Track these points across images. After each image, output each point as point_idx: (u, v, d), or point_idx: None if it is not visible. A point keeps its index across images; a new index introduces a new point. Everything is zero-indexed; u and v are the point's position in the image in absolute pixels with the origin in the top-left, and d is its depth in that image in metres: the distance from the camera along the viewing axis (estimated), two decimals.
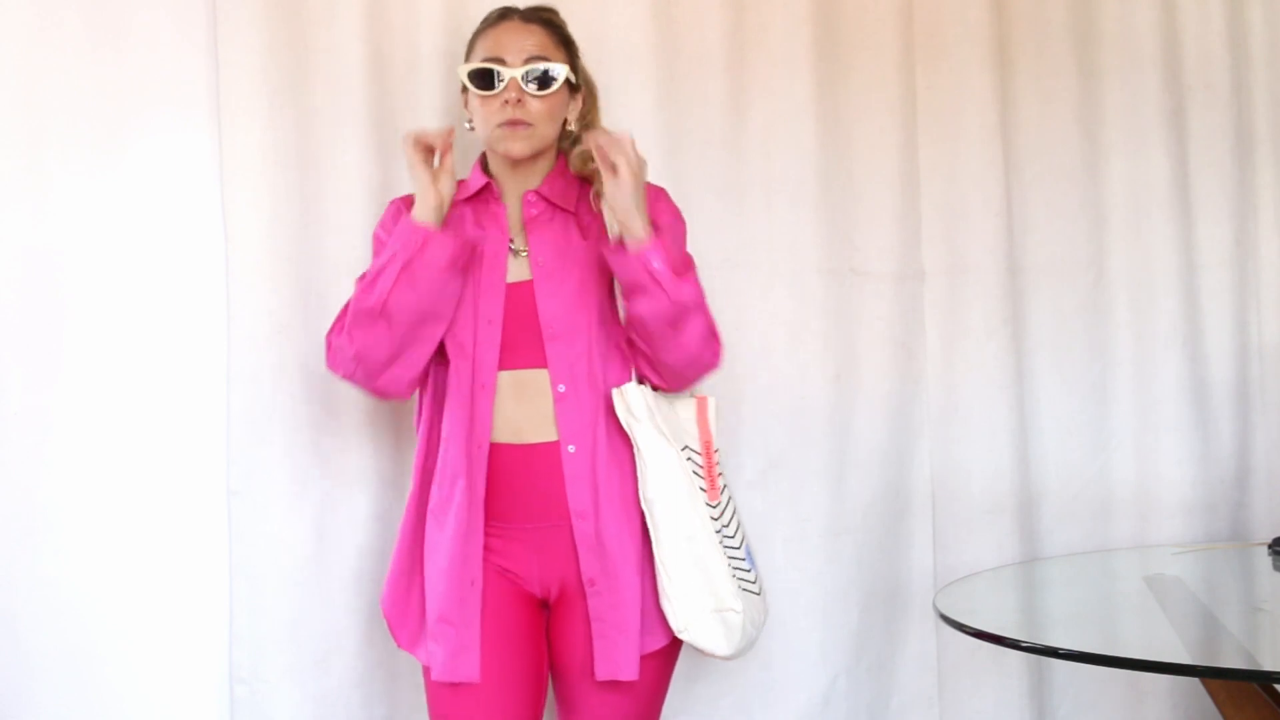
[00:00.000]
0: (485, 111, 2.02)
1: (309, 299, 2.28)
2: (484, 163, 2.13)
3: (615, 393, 2.00)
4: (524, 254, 2.05)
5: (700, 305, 1.97)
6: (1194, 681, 2.58)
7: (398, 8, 2.34)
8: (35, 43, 2.16)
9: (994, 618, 2.25)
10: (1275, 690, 2.21)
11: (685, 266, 1.98)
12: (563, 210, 2.07)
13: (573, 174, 2.10)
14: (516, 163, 2.06)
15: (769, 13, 2.61)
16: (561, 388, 1.99)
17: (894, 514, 2.70)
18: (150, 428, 2.22)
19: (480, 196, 2.09)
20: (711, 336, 2.02)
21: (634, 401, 2.00)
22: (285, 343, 2.27)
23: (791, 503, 2.61)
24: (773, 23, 2.61)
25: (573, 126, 2.11)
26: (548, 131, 2.05)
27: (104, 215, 2.20)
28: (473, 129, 2.07)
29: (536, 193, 2.07)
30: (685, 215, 2.13)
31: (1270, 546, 2.58)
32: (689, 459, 2.05)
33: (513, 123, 2.00)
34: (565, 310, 2.00)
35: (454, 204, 1.99)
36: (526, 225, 2.06)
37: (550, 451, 1.99)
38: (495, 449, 2.00)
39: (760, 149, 2.61)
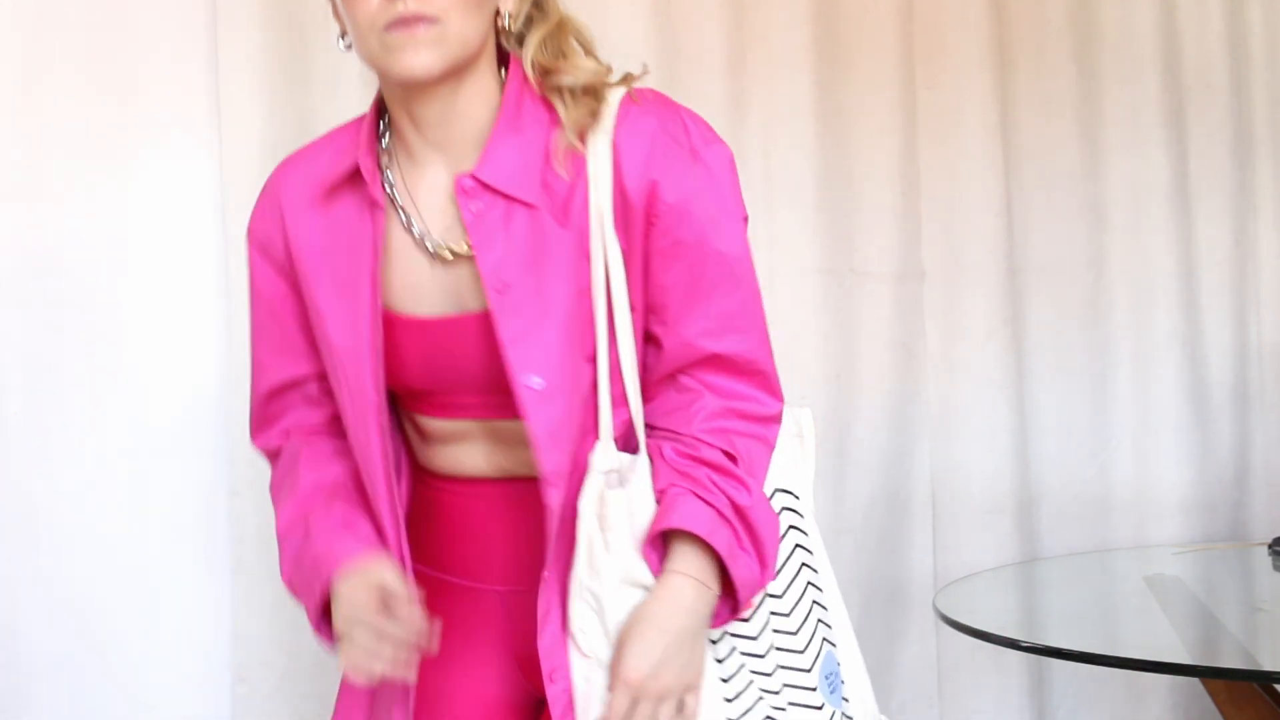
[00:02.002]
0: (361, 12, 1.21)
1: None
2: (381, 101, 1.33)
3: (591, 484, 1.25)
4: (455, 256, 1.28)
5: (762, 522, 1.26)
6: (1194, 681, 2.58)
7: None
8: (35, 44, 2.15)
9: (994, 618, 2.25)
10: (1275, 690, 2.21)
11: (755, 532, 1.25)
12: (524, 205, 1.25)
13: (529, 108, 1.28)
14: (426, 94, 1.25)
15: (769, 13, 2.61)
16: (554, 498, 1.25)
17: (894, 514, 2.70)
18: (150, 428, 2.21)
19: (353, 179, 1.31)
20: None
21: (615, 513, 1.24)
22: None
23: None
24: (773, 23, 2.61)
25: (509, 19, 1.29)
26: (466, 29, 1.22)
27: (104, 216, 2.20)
28: (349, 46, 1.29)
29: (474, 178, 1.25)
30: None
31: (1270, 546, 2.58)
32: None
33: (405, 21, 1.20)
34: (558, 368, 1.25)
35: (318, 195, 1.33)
36: (470, 232, 1.26)
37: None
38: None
39: (760, 149, 2.61)
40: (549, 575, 1.25)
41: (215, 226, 2.25)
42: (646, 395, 1.29)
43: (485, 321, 1.25)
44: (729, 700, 1.25)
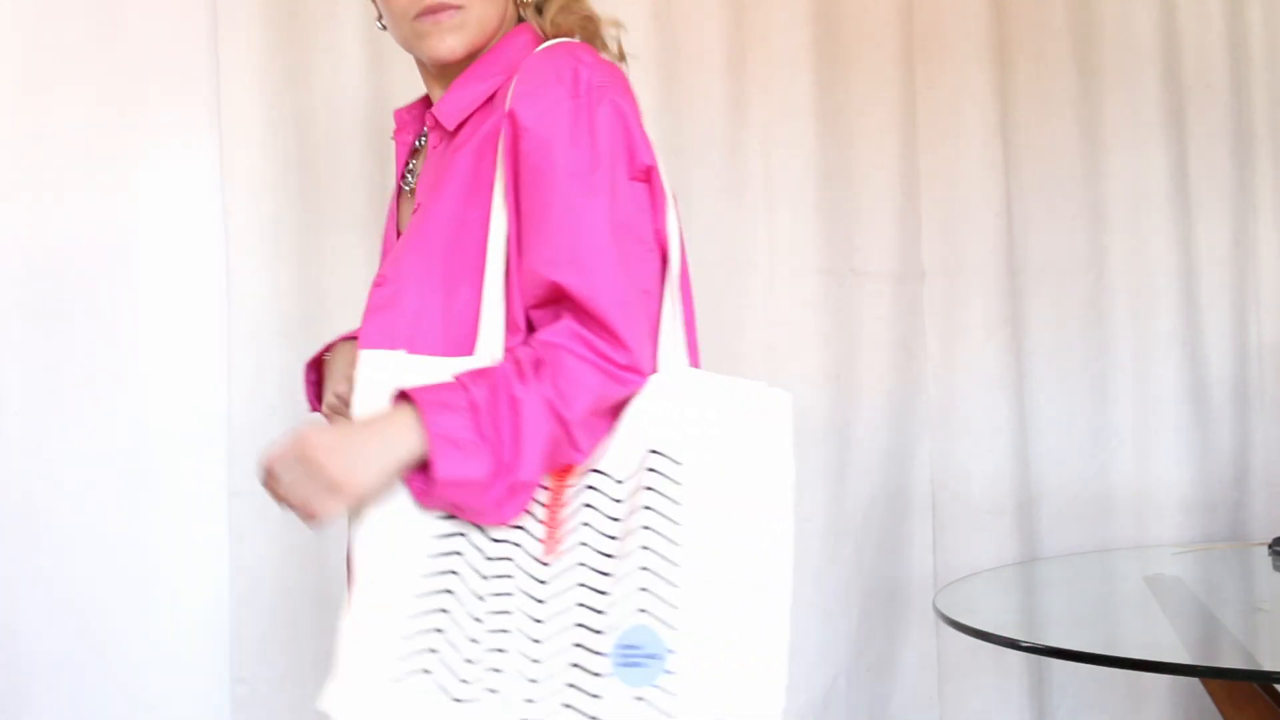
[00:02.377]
0: (395, 2, 1.37)
1: (309, 299, 2.28)
2: None
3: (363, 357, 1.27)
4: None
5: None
6: (1194, 681, 2.58)
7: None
8: (35, 43, 2.15)
9: (994, 618, 2.25)
10: (1275, 690, 2.20)
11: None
12: (449, 133, 1.37)
13: (507, 60, 1.37)
14: (451, 68, 1.39)
15: (769, 13, 2.61)
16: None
17: (894, 514, 2.70)
18: (150, 428, 2.21)
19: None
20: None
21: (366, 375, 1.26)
22: (285, 342, 2.26)
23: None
24: (773, 23, 2.61)
25: None
26: (486, 13, 1.36)
27: (105, 215, 2.20)
28: (384, 28, 1.44)
29: (432, 113, 1.40)
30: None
31: (1270, 546, 2.58)
32: None
33: (431, 10, 1.34)
34: (401, 270, 1.32)
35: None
36: (428, 156, 1.42)
37: None
38: None
39: (760, 149, 2.61)
40: None
41: (216, 226, 2.25)
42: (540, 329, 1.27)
43: None
44: (478, 620, 1.19)
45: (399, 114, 1.51)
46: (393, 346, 1.26)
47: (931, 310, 2.75)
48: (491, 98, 1.34)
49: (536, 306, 1.27)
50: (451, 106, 1.36)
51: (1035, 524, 2.79)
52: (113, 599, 2.19)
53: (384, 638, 1.17)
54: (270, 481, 1.23)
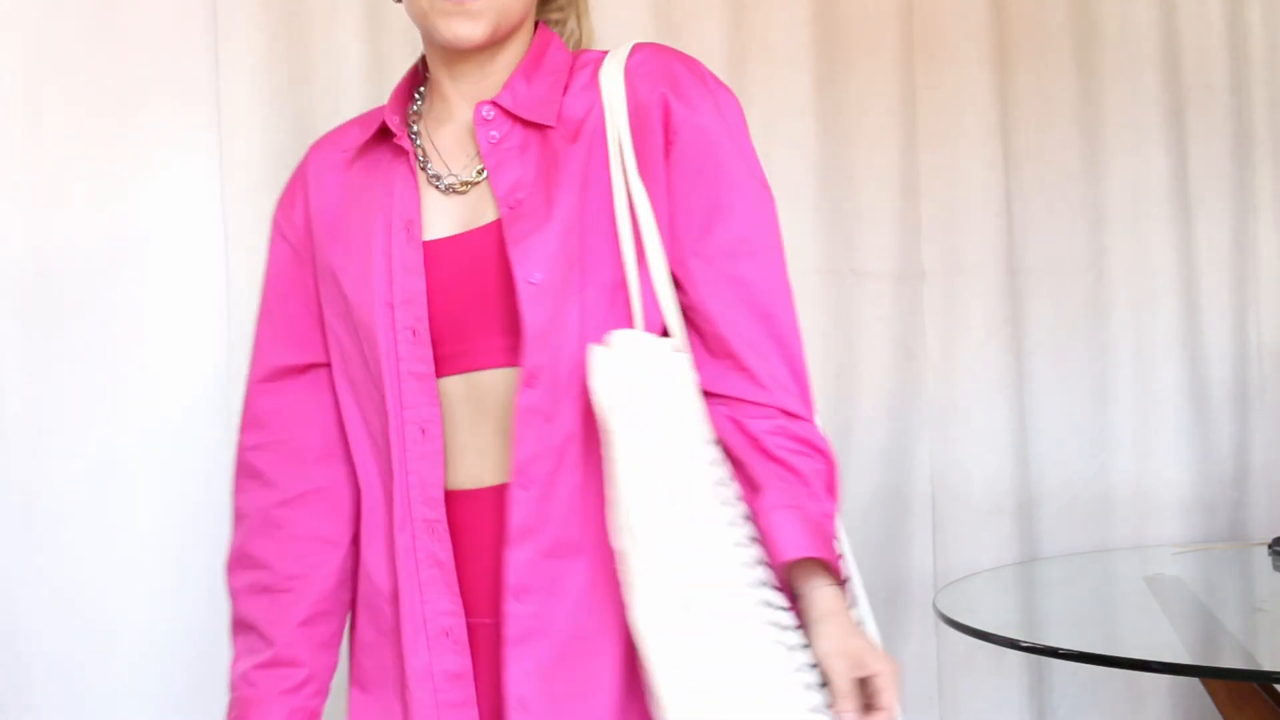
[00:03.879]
0: None
1: None
2: (424, 62, 1.42)
3: (593, 351, 1.24)
4: (472, 187, 1.32)
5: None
6: (1194, 681, 2.58)
7: (397, 8, 2.34)
8: (35, 42, 2.15)
9: (994, 618, 2.25)
10: (1275, 690, 2.21)
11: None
12: (539, 127, 1.30)
13: (553, 55, 1.36)
14: (467, 55, 1.33)
15: (769, 13, 2.61)
16: (529, 397, 1.25)
17: (894, 514, 2.70)
18: (151, 427, 2.21)
19: (380, 140, 1.38)
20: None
21: (614, 369, 1.23)
22: None
23: None
24: (773, 22, 2.61)
25: None
26: (512, 6, 1.30)
27: (104, 215, 2.19)
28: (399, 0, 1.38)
29: (494, 103, 1.32)
30: None
31: (1270, 546, 2.58)
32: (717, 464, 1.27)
33: None
34: (556, 266, 1.26)
35: (344, 157, 1.43)
36: (484, 156, 1.31)
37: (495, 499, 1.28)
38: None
39: (760, 149, 2.59)
40: (518, 482, 1.25)
41: (216, 226, 2.24)
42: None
43: (495, 232, 1.28)
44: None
45: (395, 118, 1.38)
46: (554, 345, 1.25)
47: (931, 310, 2.76)
48: (564, 93, 1.32)
49: (710, 296, 1.32)
50: (530, 99, 1.31)
51: (1035, 524, 2.79)
52: (113, 598, 2.19)
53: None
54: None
